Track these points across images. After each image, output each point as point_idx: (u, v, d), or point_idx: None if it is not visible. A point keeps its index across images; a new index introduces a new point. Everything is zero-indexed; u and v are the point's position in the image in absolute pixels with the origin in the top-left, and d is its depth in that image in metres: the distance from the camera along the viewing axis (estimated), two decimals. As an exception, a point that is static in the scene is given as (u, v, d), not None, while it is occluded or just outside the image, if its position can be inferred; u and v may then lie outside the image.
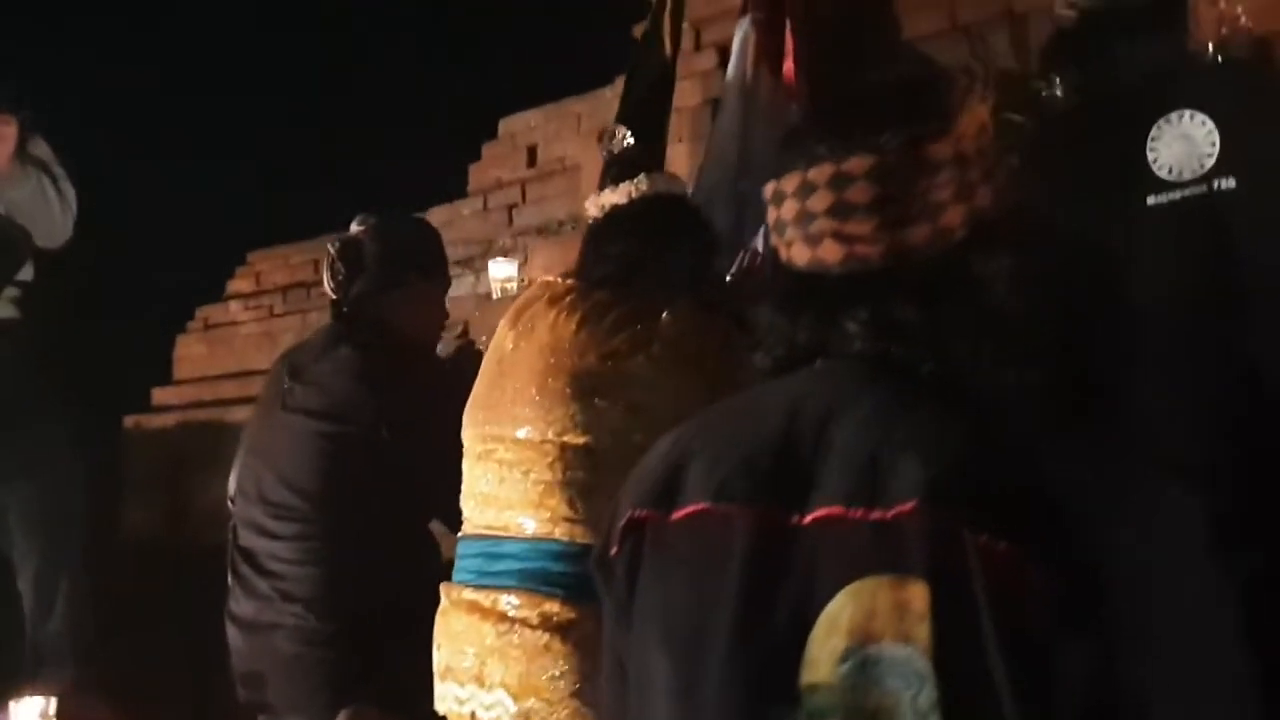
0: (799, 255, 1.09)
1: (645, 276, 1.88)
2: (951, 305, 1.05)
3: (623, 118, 2.92)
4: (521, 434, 1.77)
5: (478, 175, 4.62)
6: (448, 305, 3.04)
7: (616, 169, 2.05)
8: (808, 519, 0.98)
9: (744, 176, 2.56)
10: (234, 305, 6.18)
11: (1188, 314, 1.70)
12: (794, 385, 1.09)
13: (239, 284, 6.27)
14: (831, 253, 1.06)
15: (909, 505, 0.93)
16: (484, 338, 2.44)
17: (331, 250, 2.37)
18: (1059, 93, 1.86)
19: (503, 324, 1.92)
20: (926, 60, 2.76)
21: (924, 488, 0.92)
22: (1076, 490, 0.95)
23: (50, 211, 2.75)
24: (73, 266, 2.99)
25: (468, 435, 1.87)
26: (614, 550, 1.11)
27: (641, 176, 2.01)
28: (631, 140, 2.27)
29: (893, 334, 1.04)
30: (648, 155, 2.14)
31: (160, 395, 6.28)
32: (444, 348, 3.03)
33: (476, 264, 4.38)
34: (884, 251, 1.04)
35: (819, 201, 1.06)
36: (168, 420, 6.01)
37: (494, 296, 3.26)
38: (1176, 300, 1.71)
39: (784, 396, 1.08)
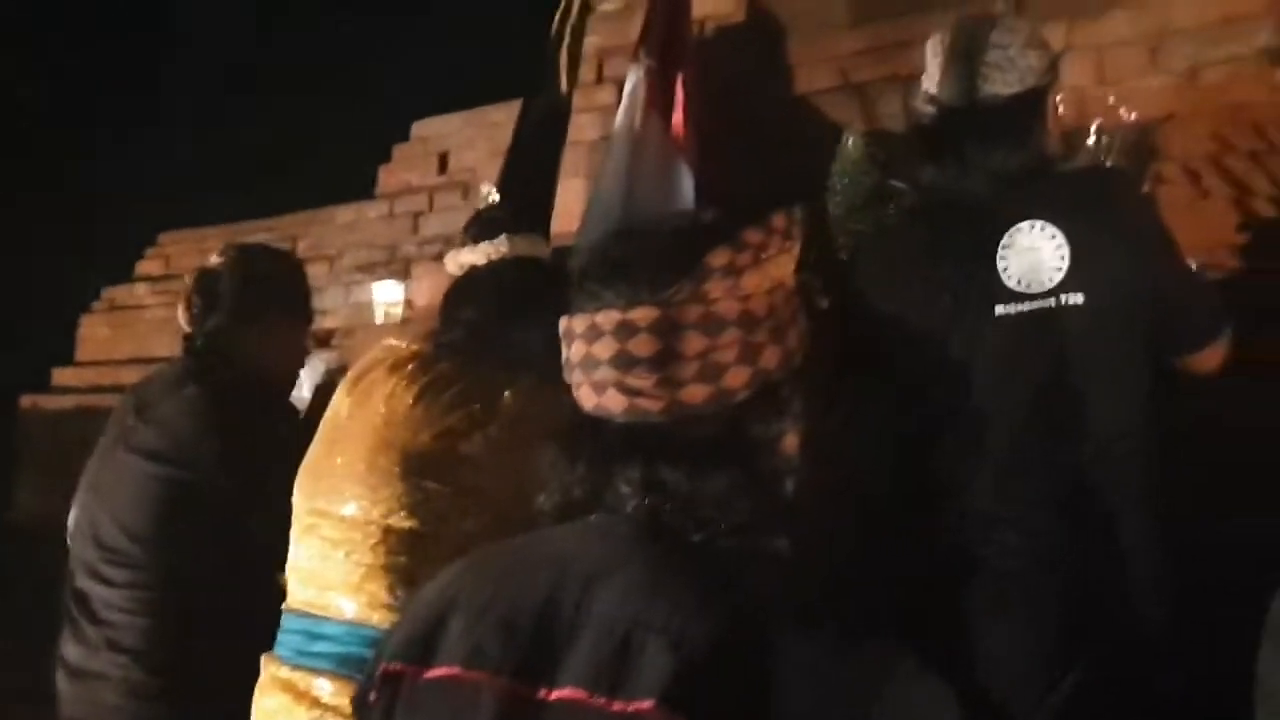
0: (585, 398, 1.06)
1: (494, 346, 1.82)
2: (726, 470, 1.02)
3: (512, 153, 2.87)
4: (347, 511, 1.71)
5: (387, 178, 4.52)
6: (350, 312, 2.97)
7: (477, 227, 1.97)
8: (554, 695, 0.95)
9: (628, 226, 2.51)
10: (141, 288, 6.02)
11: (1020, 431, 1.70)
12: (566, 540, 1.06)
13: (148, 265, 6.10)
14: (615, 402, 1.03)
15: (647, 704, 0.90)
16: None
17: (188, 281, 2.29)
18: (915, 191, 1.84)
19: (341, 387, 1.86)
20: (818, 117, 2.73)
21: (663, 687, 0.90)
22: (825, 690, 0.91)
23: None
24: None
25: (296, 504, 1.80)
26: (372, 696, 1.07)
27: (502, 237, 1.95)
28: (497, 197, 2.20)
29: (663, 497, 1.02)
30: (513, 215, 2.07)
31: (60, 376, 6.10)
32: (324, 362, 2.95)
33: (379, 271, 4.30)
34: (665, 408, 1.02)
35: (604, 349, 1.03)
36: (66, 403, 5.84)
37: (378, 321, 3.18)
38: (1011, 415, 1.70)
39: (554, 552, 1.05)
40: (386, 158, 4.59)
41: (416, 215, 4.32)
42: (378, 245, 4.38)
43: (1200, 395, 1.93)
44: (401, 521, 1.67)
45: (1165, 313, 1.73)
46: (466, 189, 4.18)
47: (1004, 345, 1.70)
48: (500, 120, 4.18)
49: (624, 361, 1.01)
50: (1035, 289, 1.69)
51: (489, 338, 1.84)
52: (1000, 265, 1.71)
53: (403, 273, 4.16)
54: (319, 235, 4.79)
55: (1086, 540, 1.71)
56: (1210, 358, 1.83)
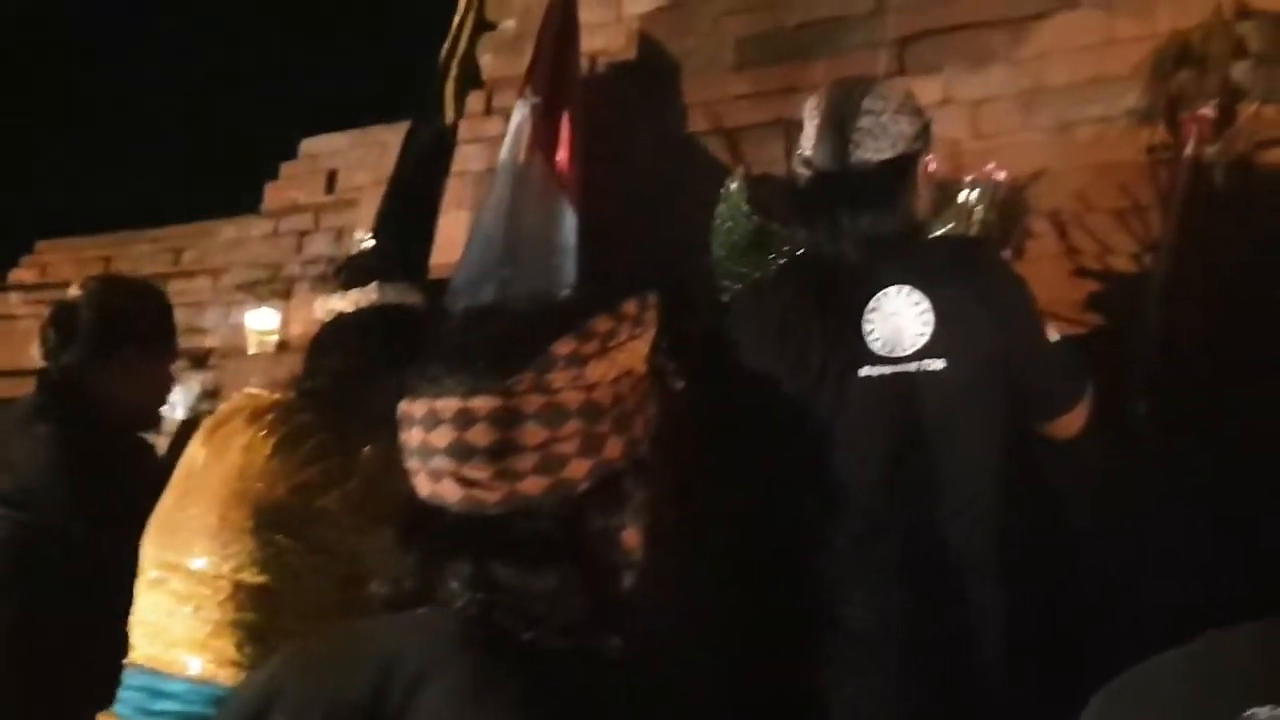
0: (421, 486, 1.04)
1: (358, 398, 1.78)
2: (560, 567, 1.00)
3: (392, 188, 2.83)
4: (196, 565, 1.65)
5: (273, 195, 4.40)
6: (230, 331, 2.82)
7: (347, 273, 1.93)
8: None
9: (509, 264, 2.50)
10: (14, 297, 5.79)
11: (875, 493, 1.72)
12: (393, 636, 1.02)
13: (23, 274, 5.87)
14: (451, 492, 1.01)
15: None
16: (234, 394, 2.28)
17: (44, 314, 2.19)
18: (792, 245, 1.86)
19: (197, 435, 1.80)
20: (703, 158, 2.74)
21: None
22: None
23: None
24: None
25: (144, 556, 1.73)
26: None
27: (373, 285, 1.90)
28: (370, 242, 2.15)
29: (494, 595, 0.99)
30: (385, 261, 2.03)
31: (-78, 387, 5.83)
32: (200, 383, 2.86)
33: (261, 290, 4.19)
34: (502, 499, 0.99)
35: (441, 436, 1.01)
36: (-73, 415, 5.58)
37: (251, 350, 3.08)
38: (868, 477, 1.72)
39: (380, 648, 1.01)
40: (274, 174, 4.48)
41: (302, 234, 4.23)
42: (261, 264, 4.27)
43: (1064, 452, 1.97)
44: (253, 577, 1.62)
45: (1026, 381, 1.77)
46: (353, 209, 4.11)
47: (865, 407, 1.72)
48: (389, 141, 4.10)
49: (461, 451, 0.99)
50: (898, 353, 1.72)
51: (353, 389, 1.79)
52: (866, 328, 1.73)
53: (285, 293, 4.07)
54: (204, 249, 4.65)
55: (934, 602, 1.73)
56: (1071, 422, 1.87)
